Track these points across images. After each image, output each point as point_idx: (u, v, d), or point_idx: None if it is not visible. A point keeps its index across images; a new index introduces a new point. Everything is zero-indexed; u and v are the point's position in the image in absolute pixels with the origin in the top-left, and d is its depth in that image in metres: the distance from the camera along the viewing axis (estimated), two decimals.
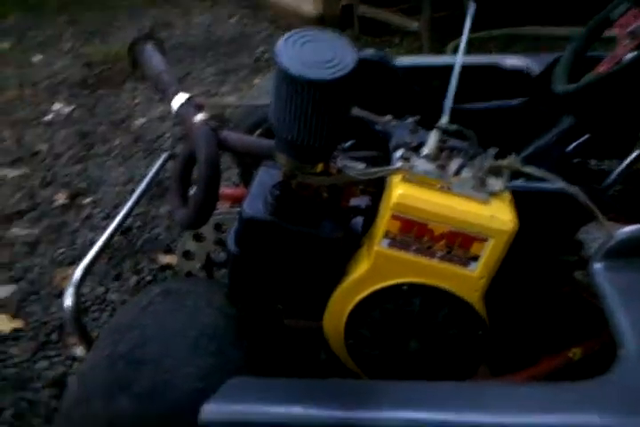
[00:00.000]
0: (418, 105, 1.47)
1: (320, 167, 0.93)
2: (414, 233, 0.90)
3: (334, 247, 0.97)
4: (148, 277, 1.80)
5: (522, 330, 1.18)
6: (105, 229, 1.19)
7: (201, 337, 0.91)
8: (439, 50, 3.09)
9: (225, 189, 1.43)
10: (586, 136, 1.31)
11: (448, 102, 0.97)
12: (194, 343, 0.90)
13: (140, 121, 2.76)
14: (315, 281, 0.99)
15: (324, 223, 0.96)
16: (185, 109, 1.02)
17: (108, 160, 2.45)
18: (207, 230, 1.32)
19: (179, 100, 1.04)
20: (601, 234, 0.96)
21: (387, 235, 0.91)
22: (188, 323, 0.94)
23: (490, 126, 1.59)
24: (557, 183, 0.91)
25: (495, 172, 0.93)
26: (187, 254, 1.37)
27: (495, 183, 0.92)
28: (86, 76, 3.23)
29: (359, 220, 1.04)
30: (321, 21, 3.64)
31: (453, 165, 0.94)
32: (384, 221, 0.90)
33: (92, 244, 1.15)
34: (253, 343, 0.96)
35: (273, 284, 1.01)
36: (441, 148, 0.96)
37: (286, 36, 0.82)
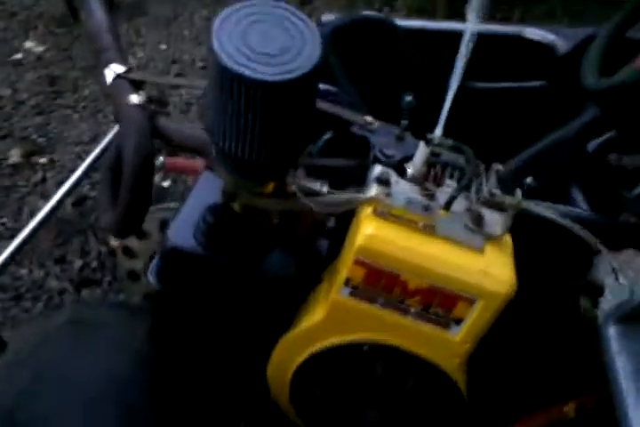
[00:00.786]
0: (420, 76, 1.29)
1: (270, 187, 0.71)
2: (382, 284, 0.69)
3: (282, 287, 0.77)
4: (94, 264, 1.58)
5: (506, 380, 0.99)
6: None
7: (105, 392, 0.72)
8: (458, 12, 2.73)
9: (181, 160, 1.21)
10: (611, 133, 1.14)
11: (444, 111, 0.74)
12: (94, 401, 0.71)
13: None
14: (257, 327, 0.80)
15: (271, 257, 0.76)
16: (118, 85, 0.80)
17: (75, 113, 2.19)
18: (152, 227, 1.12)
19: (113, 70, 0.82)
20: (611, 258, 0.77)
21: (348, 282, 0.71)
22: (91, 371, 0.75)
23: (502, 109, 1.42)
24: (561, 220, 0.71)
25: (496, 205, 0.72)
26: (127, 251, 1.17)
27: (494, 221, 0.71)
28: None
29: (324, 243, 0.84)
30: None
31: (443, 192, 0.72)
32: (346, 266, 0.70)
33: None
34: (176, 401, 0.77)
35: (203, 327, 0.81)
36: (431, 164, 0.75)
37: (225, 12, 0.59)
